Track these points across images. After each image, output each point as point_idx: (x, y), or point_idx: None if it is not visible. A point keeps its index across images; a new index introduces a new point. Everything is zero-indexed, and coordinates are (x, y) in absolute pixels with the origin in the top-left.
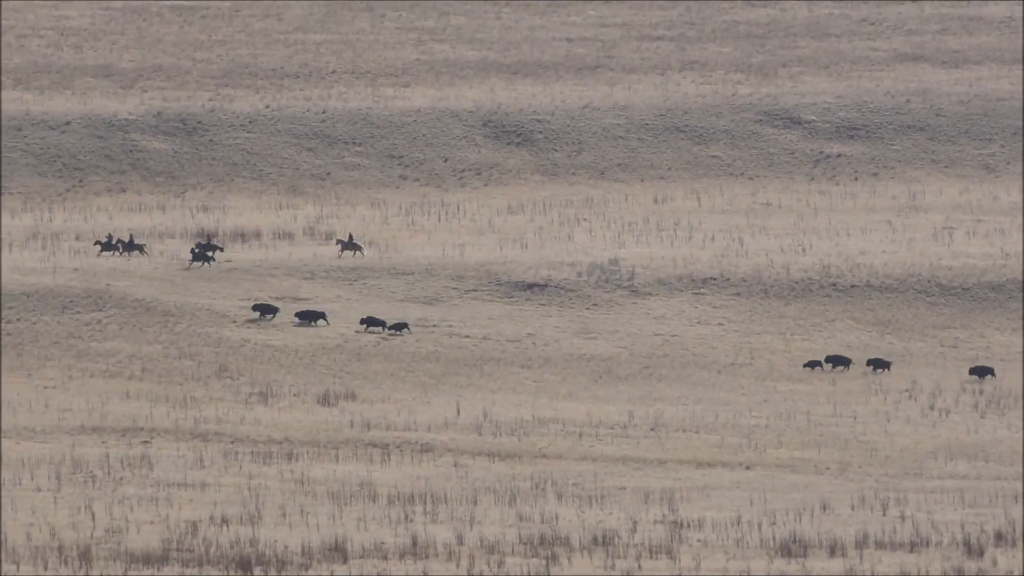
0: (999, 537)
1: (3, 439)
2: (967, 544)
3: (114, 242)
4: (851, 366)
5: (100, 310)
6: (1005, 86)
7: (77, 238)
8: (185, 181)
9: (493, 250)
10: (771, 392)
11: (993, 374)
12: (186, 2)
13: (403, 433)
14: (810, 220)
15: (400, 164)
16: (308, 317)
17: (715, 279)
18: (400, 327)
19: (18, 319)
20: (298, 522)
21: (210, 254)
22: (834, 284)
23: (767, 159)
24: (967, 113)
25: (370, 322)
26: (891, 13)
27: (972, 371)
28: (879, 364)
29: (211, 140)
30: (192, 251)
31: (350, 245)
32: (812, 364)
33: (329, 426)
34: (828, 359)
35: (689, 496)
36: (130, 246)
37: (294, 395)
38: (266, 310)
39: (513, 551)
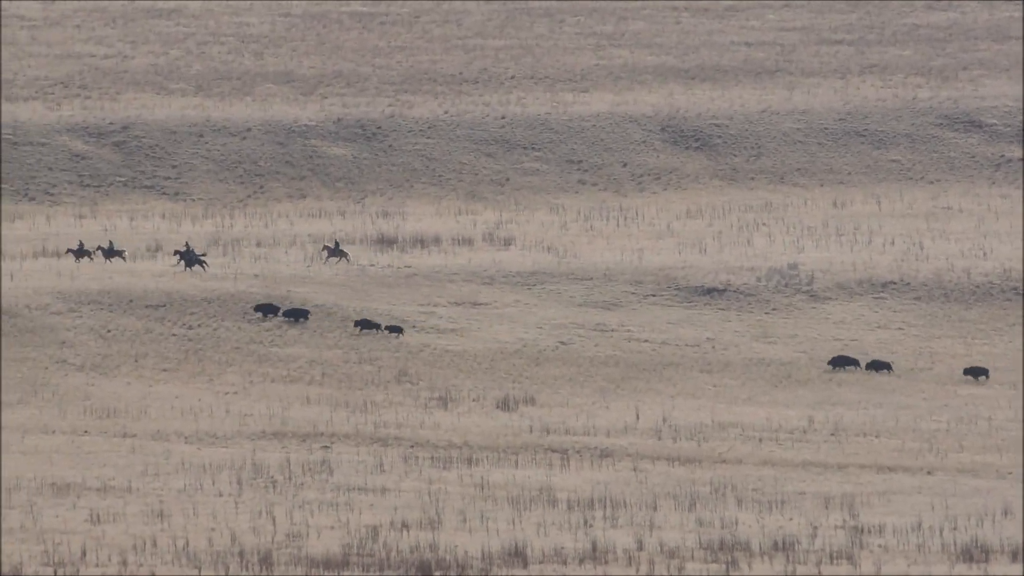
0: None
1: (185, 444)
2: None
3: (94, 250)
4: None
5: (281, 316)
6: None
7: (258, 244)
8: (365, 187)
9: (672, 255)
10: (951, 396)
11: (987, 375)
12: (366, 8)
13: (582, 438)
14: (991, 224)
15: (579, 169)
16: (295, 315)
17: (895, 283)
18: (395, 330)
19: (199, 325)
20: (478, 527)
21: (203, 259)
22: (1015, 288)
23: (947, 163)
24: None
25: (364, 324)
26: None
27: (967, 372)
28: None
29: (390, 146)
30: (179, 255)
31: (336, 252)
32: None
33: (508, 431)
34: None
35: (870, 501)
36: (110, 252)
37: (473, 400)
38: (268, 310)
39: (693, 556)
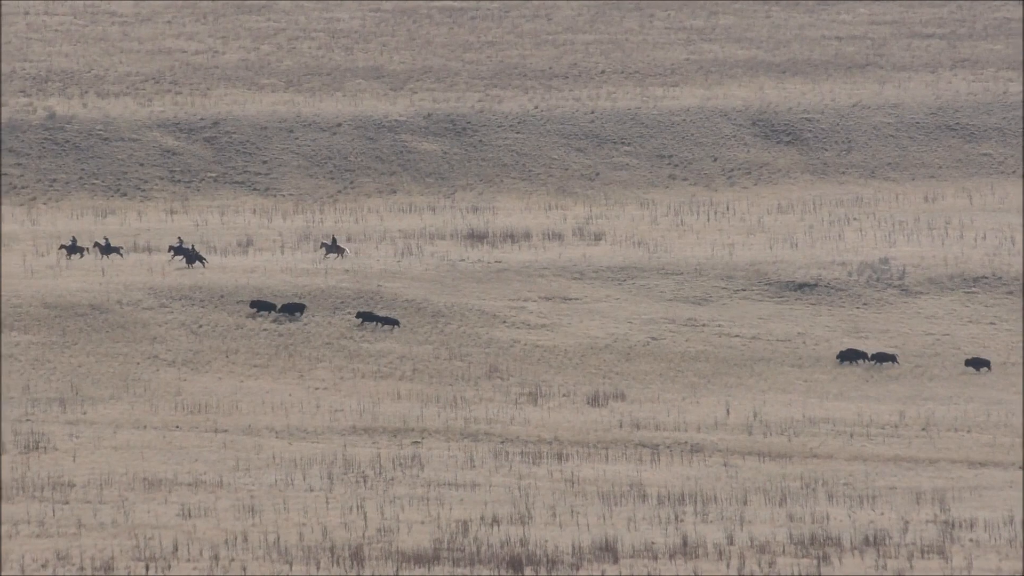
0: None
1: (276, 439)
2: None
3: (90, 247)
4: None
5: (371, 311)
6: None
7: (349, 239)
8: (455, 182)
9: (763, 250)
10: None
11: (989, 367)
12: (456, 4)
13: (672, 433)
14: None
15: (669, 164)
16: (291, 310)
17: (987, 278)
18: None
19: (290, 321)
20: (568, 522)
21: (201, 258)
22: None
23: None
24: None
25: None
26: None
27: (968, 363)
28: None
29: (480, 141)
30: (174, 251)
31: (333, 248)
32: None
33: (599, 426)
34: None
35: (961, 496)
36: (107, 249)
37: (563, 395)
38: (263, 307)
39: (784, 551)
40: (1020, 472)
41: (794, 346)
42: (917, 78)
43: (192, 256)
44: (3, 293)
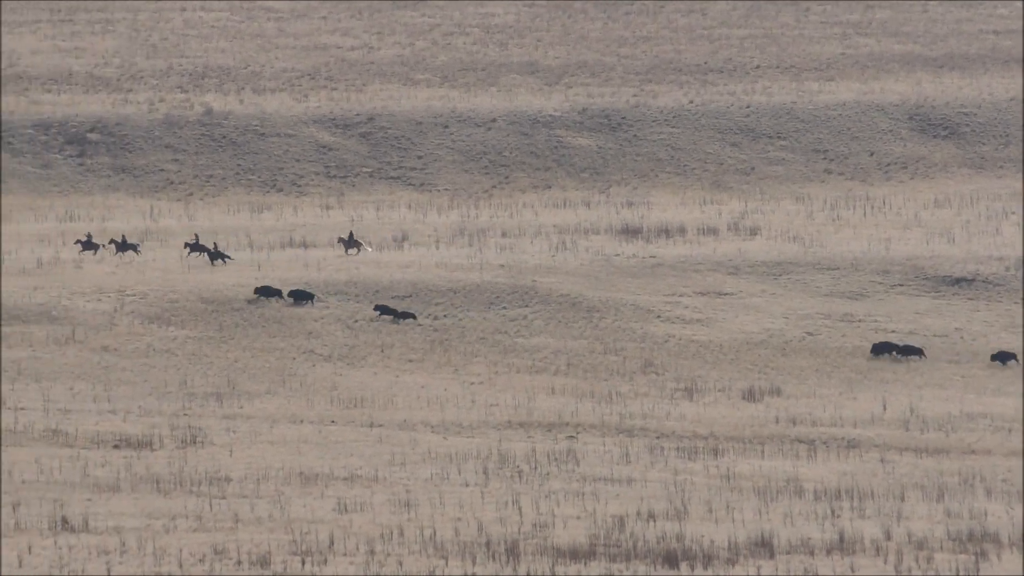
0: None
1: (431, 434)
2: None
3: (106, 243)
4: None
5: (526, 306)
6: None
7: (503, 235)
8: (609, 177)
9: (919, 244)
10: None
11: (1017, 360)
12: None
13: (828, 429)
14: None
15: (824, 158)
16: (300, 297)
17: None
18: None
19: (445, 315)
20: (724, 517)
21: (226, 254)
22: None
23: None
24: None
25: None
26: None
27: (994, 357)
28: None
29: (635, 136)
30: (191, 248)
31: (351, 243)
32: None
33: (754, 421)
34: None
35: None
36: (123, 246)
37: (719, 390)
38: (267, 292)
39: (941, 547)
40: None
41: (951, 341)
42: None
43: (214, 254)
44: (160, 288)
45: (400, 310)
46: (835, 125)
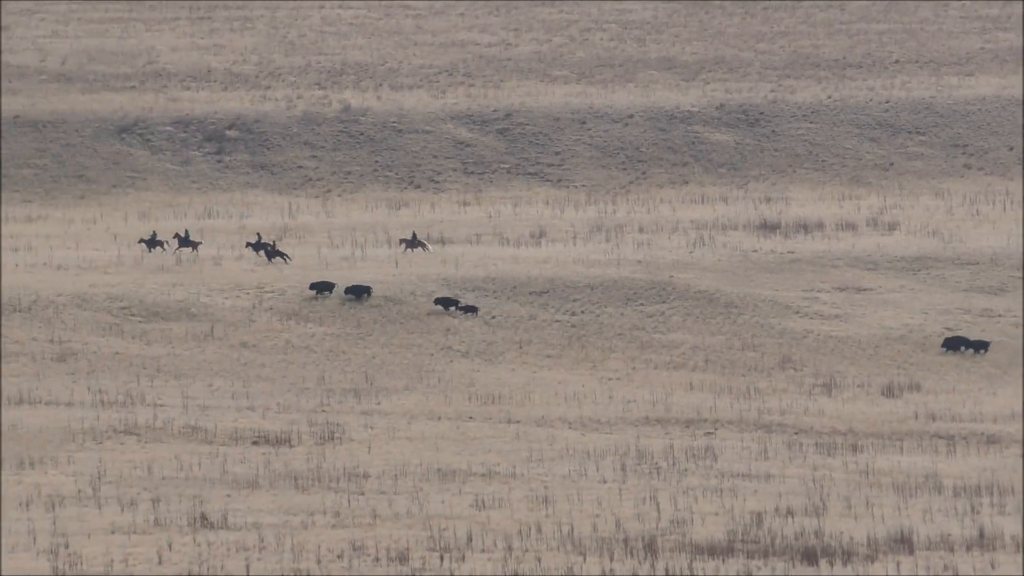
0: None
1: (568, 430)
2: None
3: (169, 239)
4: None
5: (663, 302)
6: None
7: (640, 230)
8: (747, 173)
9: None
10: None
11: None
12: None
13: (968, 424)
14: None
15: (964, 153)
16: (357, 292)
17: None
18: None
19: (582, 311)
20: (863, 513)
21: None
22: None
23: None
24: None
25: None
26: None
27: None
28: None
29: (773, 131)
30: (253, 247)
31: (414, 243)
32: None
33: (893, 417)
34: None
35: None
36: (185, 242)
37: (858, 386)
38: (322, 288)
39: None
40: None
41: None
42: None
43: (272, 252)
44: (298, 285)
45: (464, 303)
46: (974, 120)
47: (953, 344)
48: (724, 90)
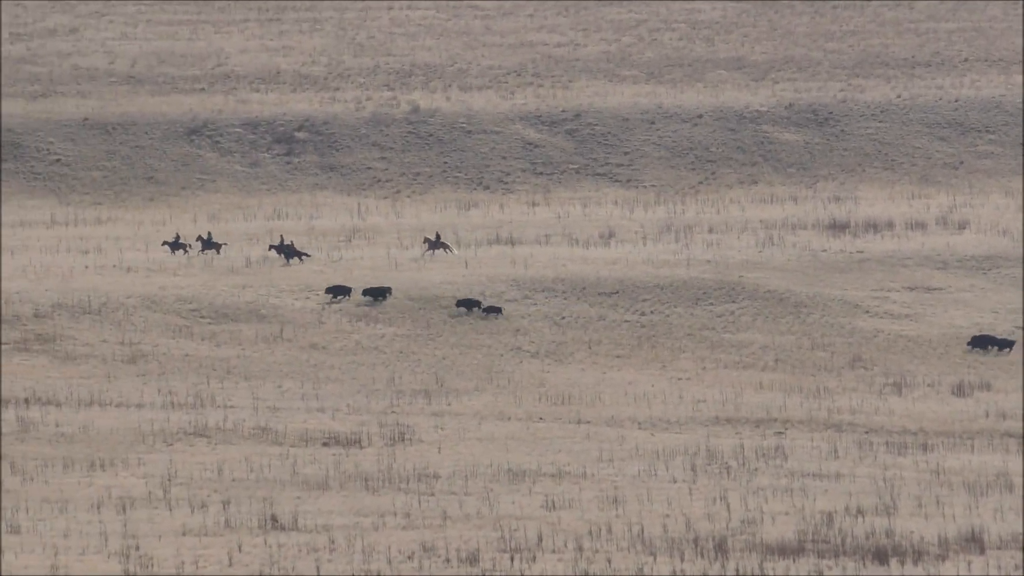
0: None
1: (638, 430)
2: None
3: (192, 241)
4: None
5: (733, 301)
6: None
7: (710, 230)
8: (816, 172)
9: None
10: None
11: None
12: None
13: None
14: None
15: None
16: (375, 294)
17: None
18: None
19: (652, 311)
20: (934, 513)
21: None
22: None
23: None
24: None
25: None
26: None
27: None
28: None
29: (842, 131)
30: (275, 249)
31: (437, 244)
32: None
33: (964, 416)
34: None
35: None
36: (208, 244)
37: (928, 385)
38: (338, 292)
39: None
40: None
41: None
42: None
43: (291, 252)
44: (365, 286)
45: (487, 304)
46: None
47: (980, 343)
48: (793, 90)
